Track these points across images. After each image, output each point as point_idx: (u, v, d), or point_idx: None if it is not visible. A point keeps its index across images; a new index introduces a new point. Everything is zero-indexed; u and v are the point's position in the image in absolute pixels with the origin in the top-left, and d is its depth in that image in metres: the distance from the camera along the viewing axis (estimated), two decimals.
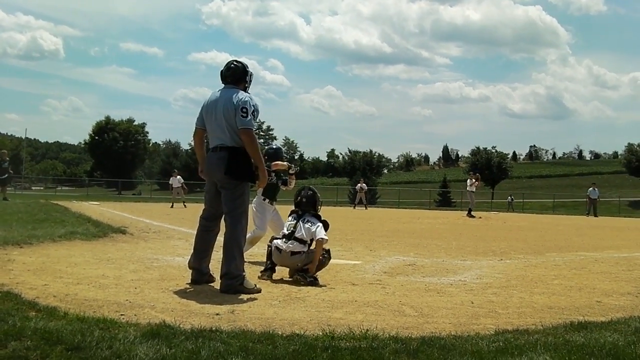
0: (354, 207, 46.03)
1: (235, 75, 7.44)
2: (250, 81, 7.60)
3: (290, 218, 8.39)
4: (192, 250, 7.65)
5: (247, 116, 7.07)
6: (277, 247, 8.13)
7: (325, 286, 7.66)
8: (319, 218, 8.35)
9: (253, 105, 7.18)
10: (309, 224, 8.15)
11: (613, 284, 8.72)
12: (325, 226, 8.29)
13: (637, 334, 5.20)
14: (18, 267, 8.08)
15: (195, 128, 7.56)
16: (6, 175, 29.78)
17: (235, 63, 7.58)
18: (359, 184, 48.51)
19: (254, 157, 7.22)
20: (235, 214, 7.24)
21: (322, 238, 8.03)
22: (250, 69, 7.61)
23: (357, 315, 6.01)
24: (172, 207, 31.67)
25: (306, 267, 8.03)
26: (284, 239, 8.14)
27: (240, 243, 7.29)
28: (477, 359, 4.35)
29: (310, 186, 8.73)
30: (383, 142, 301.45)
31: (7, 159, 30.72)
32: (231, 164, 7.13)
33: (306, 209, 8.37)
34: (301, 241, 8.06)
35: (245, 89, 7.45)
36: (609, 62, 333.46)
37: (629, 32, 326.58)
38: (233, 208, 7.23)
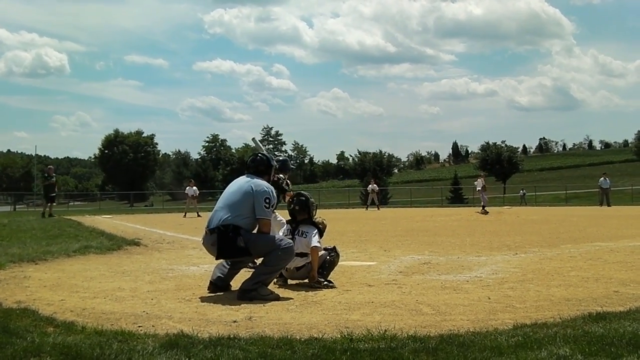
0: (367, 208, 46.09)
1: (257, 167, 7.64)
2: (273, 173, 7.88)
3: (286, 231, 8.34)
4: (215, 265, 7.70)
5: (268, 207, 7.26)
6: None
7: (340, 288, 7.65)
8: (313, 224, 8.28)
9: (274, 197, 7.37)
10: (304, 235, 8.10)
11: (630, 273, 8.68)
12: (321, 231, 8.24)
13: None
14: (34, 283, 8.11)
15: None
16: (54, 193, 29.85)
17: (260, 155, 7.75)
18: (370, 185, 48.56)
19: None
20: (266, 255, 7.26)
21: (315, 246, 7.92)
22: (274, 163, 7.86)
23: (375, 316, 6.00)
24: (184, 216, 31.74)
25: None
26: None
27: (266, 276, 7.24)
28: (496, 354, 4.33)
29: (302, 192, 8.69)
30: (392, 141, 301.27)
31: (54, 174, 30.76)
32: (222, 244, 7.17)
33: (300, 216, 8.30)
34: (302, 255, 7.98)
35: (268, 181, 7.59)
36: (614, 51, 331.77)
37: (632, 20, 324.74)
38: (267, 251, 7.24)
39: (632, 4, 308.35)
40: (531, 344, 4.54)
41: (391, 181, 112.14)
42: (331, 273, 8.10)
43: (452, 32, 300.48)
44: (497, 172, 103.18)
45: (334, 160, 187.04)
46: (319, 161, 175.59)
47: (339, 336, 4.95)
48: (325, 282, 7.88)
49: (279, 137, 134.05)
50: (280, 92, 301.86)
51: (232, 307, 6.49)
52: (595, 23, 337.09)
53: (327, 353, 4.40)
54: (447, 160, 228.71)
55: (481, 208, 32.67)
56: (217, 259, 7.35)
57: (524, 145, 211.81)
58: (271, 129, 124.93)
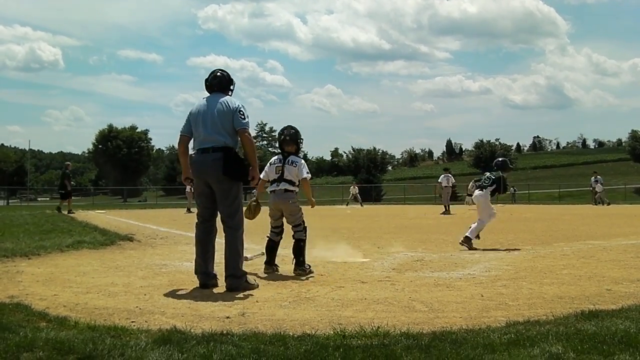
0: (347, 204, 46.71)
1: (222, 84, 7.75)
2: (233, 89, 7.86)
3: (276, 160, 8.87)
4: (195, 256, 7.69)
5: (245, 119, 7.46)
6: (271, 191, 8.82)
7: (333, 284, 7.66)
8: (300, 157, 8.95)
9: (245, 109, 7.55)
10: (293, 165, 8.74)
11: (622, 272, 8.70)
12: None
13: None
14: (27, 278, 8.10)
15: (181, 135, 7.72)
16: (65, 189, 29.81)
17: (220, 72, 7.88)
18: (351, 188, 49.87)
19: (251, 157, 7.55)
20: (235, 215, 7.53)
21: (305, 177, 8.77)
22: (233, 78, 7.92)
23: (368, 312, 6.01)
24: (189, 211, 31.81)
25: (300, 253, 8.64)
26: (276, 182, 8.77)
27: (242, 241, 7.57)
28: (489, 351, 4.34)
29: (291, 124, 9.08)
30: (386, 138, 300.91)
31: (68, 171, 30.61)
32: (228, 163, 7.33)
33: (289, 147, 8.85)
34: (290, 182, 8.72)
35: (229, 96, 7.74)
36: (608, 50, 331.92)
37: (626, 19, 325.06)
38: (231, 208, 7.51)
39: (626, 3, 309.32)
40: (524, 341, 4.56)
41: (385, 178, 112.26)
42: (324, 270, 8.22)
43: (447, 29, 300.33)
44: (491, 170, 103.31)
45: (328, 157, 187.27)
46: (312, 158, 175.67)
47: (332, 332, 4.95)
48: (303, 269, 8.56)
49: (273, 134, 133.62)
50: (274, 89, 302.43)
51: (225, 302, 6.49)
52: (589, 22, 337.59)
53: (320, 349, 4.40)
54: (441, 157, 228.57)
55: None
56: (224, 174, 7.35)
57: (517, 144, 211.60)
58: (265, 125, 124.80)
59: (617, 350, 4.31)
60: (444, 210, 30.11)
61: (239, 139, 7.50)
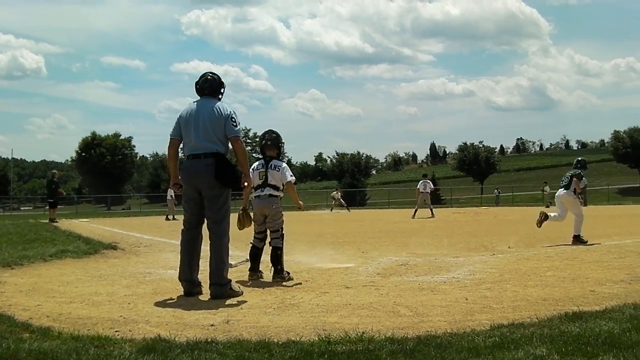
0: (331, 209, 46.61)
1: (213, 87, 7.72)
2: (224, 92, 7.84)
3: (259, 165, 8.84)
4: (179, 264, 7.66)
5: (237, 125, 7.45)
6: (256, 196, 8.78)
7: (317, 290, 7.66)
8: (282, 161, 9.00)
9: (237, 116, 7.53)
10: (276, 169, 8.77)
11: (606, 273, 8.75)
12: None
13: (632, 321, 5.22)
14: (10, 288, 8.05)
15: (171, 139, 7.69)
16: (54, 198, 29.69)
17: (211, 75, 7.84)
18: (334, 193, 49.74)
19: (243, 165, 7.57)
20: (222, 221, 7.50)
21: (289, 180, 8.78)
22: (224, 81, 7.90)
23: (352, 318, 6.01)
24: (171, 219, 31.73)
25: (278, 259, 8.64)
26: (260, 188, 8.74)
27: (228, 249, 7.55)
28: (473, 355, 4.35)
29: (272, 129, 9.12)
30: (370, 142, 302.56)
31: (56, 179, 30.48)
32: (220, 170, 7.32)
33: (270, 152, 8.89)
34: (275, 187, 8.75)
35: (219, 100, 7.72)
36: (590, 50, 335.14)
37: (608, 19, 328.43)
38: (219, 215, 7.49)
39: (608, 3, 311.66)
40: (508, 344, 4.57)
41: (369, 182, 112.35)
42: (308, 275, 8.22)
43: (430, 32, 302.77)
44: (475, 173, 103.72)
45: (312, 162, 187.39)
46: (297, 163, 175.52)
47: (317, 339, 4.95)
48: (282, 276, 8.57)
49: (257, 139, 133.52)
50: (257, 94, 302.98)
51: (210, 310, 6.48)
52: (571, 23, 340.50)
53: (304, 356, 4.40)
54: (425, 161, 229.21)
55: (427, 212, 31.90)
56: (216, 179, 7.33)
57: (501, 146, 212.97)
58: (249, 130, 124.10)
59: (601, 352, 4.33)
60: (413, 215, 30.21)
61: (230, 145, 7.50)
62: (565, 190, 14.32)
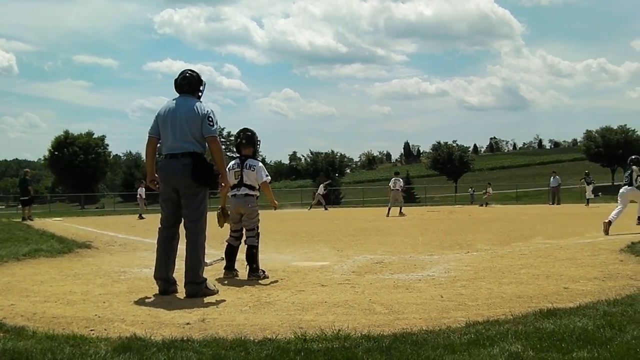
0: (310, 208, 46.41)
1: (191, 85, 7.66)
2: (204, 90, 7.79)
3: (234, 165, 8.83)
4: (155, 262, 7.62)
5: (213, 125, 7.40)
6: (232, 195, 8.79)
7: (293, 288, 7.66)
8: (258, 160, 9.00)
9: (214, 115, 7.46)
10: (252, 169, 8.77)
11: (579, 270, 8.80)
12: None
13: (606, 317, 5.27)
14: None
15: (150, 137, 7.62)
16: (29, 196, 29.56)
17: (190, 72, 7.77)
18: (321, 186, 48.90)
19: (219, 164, 7.51)
20: (198, 220, 7.47)
21: (265, 180, 8.81)
22: (203, 79, 7.82)
23: (328, 316, 6.02)
24: (141, 217, 31.51)
25: (253, 258, 8.61)
26: (236, 188, 8.74)
27: (204, 248, 7.54)
28: (449, 352, 4.37)
29: (248, 127, 9.09)
30: (344, 141, 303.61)
31: (29, 177, 30.39)
32: (197, 169, 7.29)
33: (246, 150, 8.89)
34: (250, 187, 8.76)
35: (199, 98, 7.68)
36: (562, 51, 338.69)
37: (580, 20, 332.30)
38: (195, 214, 7.46)
39: (580, 5, 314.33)
40: (483, 341, 4.60)
41: (343, 181, 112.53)
42: (284, 274, 8.22)
43: (403, 32, 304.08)
44: (449, 172, 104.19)
45: (286, 161, 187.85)
46: (271, 162, 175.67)
47: (293, 337, 4.96)
48: (257, 275, 8.53)
49: (231, 138, 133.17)
50: (231, 93, 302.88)
51: (185, 309, 6.46)
52: (544, 24, 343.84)
53: (281, 354, 4.40)
54: (399, 160, 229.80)
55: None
56: (192, 179, 7.31)
57: (474, 145, 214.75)
58: (223, 129, 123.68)
59: (576, 348, 4.37)
60: (387, 213, 30.31)
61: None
62: (628, 187, 15.89)
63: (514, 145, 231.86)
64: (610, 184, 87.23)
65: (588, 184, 40.91)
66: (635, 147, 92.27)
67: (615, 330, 4.81)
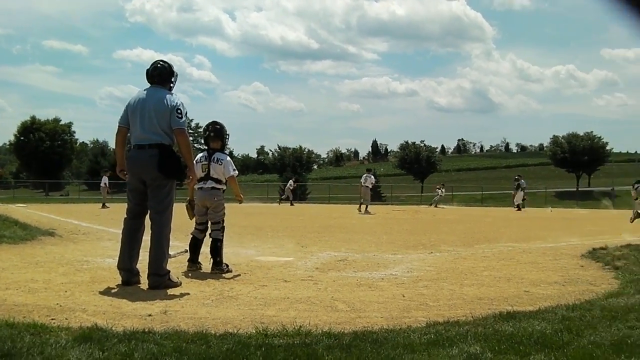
0: (279, 202, 46.39)
1: (163, 76, 7.61)
2: (175, 82, 7.74)
3: (202, 158, 8.82)
4: (119, 252, 7.59)
5: (181, 117, 7.37)
6: (199, 188, 8.75)
7: (256, 283, 7.67)
8: (226, 154, 9.01)
9: (184, 107, 7.41)
10: (219, 163, 8.78)
11: (540, 274, 8.92)
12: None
13: (564, 322, 5.35)
14: None
15: (119, 126, 7.57)
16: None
17: (161, 63, 7.74)
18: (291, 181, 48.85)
19: (186, 156, 7.47)
20: (164, 212, 7.45)
21: (232, 175, 8.81)
22: (175, 70, 7.76)
23: (290, 312, 6.04)
24: (103, 207, 31.24)
25: (218, 253, 8.66)
26: (203, 181, 8.73)
27: (168, 240, 7.52)
28: (409, 351, 4.41)
29: (217, 120, 9.09)
30: (312, 138, 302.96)
31: None
32: (164, 161, 7.26)
33: (214, 144, 8.90)
34: (217, 180, 8.79)
35: (170, 89, 7.63)
36: (532, 56, 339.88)
37: (550, 27, 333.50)
38: (161, 206, 7.44)
39: (550, 11, 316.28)
40: (443, 341, 4.65)
41: (310, 177, 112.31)
42: (247, 268, 8.24)
43: (375, 31, 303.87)
44: (416, 171, 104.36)
45: (253, 155, 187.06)
46: (238, 155, 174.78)
47: (254, 331, 4.97)
48: (221, 268, 8.57)
49: (199, 130, 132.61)
50: (200, 84, 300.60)
51: (148, 300, 6.45)
52: (514, 29, 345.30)
53: (241, 348, 4.41)
54: (366, 158, 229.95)
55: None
56: (159, 171, 7.26)
57: (442, 146, 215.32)
58: (191, 121, 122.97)
59: (533, 351, 4.43)
60: (358, 208, 30.47)
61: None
62: None
63: (482, 148, 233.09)
64: (575, 189, 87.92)
65: (518, 189, 40.59)
66: (600, 154, 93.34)
67: (572, 335, 4.88)
